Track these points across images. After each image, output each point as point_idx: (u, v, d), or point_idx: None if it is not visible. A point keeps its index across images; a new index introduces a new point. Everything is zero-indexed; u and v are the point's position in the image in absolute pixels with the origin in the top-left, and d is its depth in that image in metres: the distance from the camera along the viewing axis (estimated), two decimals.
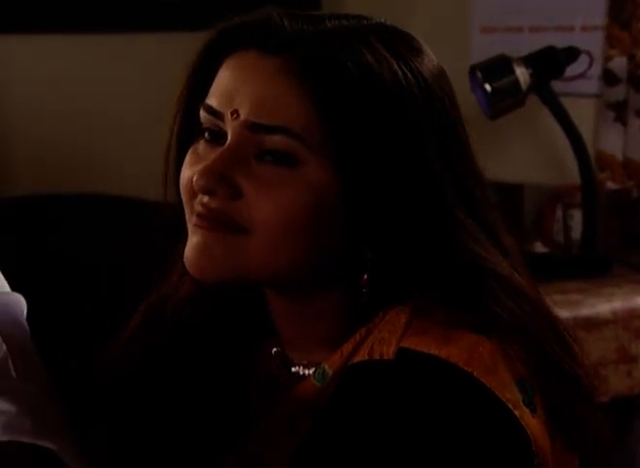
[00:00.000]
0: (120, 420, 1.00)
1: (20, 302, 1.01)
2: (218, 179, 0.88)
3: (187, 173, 0.92)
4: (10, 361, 0.91)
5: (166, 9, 2.42)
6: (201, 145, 0.92)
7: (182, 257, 0.95)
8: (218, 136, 0.91)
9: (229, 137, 0.89)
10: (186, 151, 0.94)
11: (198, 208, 0.90)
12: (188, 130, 0.94)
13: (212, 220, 0.89)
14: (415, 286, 0.91)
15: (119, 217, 1.77)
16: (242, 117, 0.88)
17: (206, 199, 0.89)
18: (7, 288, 1.03)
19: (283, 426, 0.95)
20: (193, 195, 0.91)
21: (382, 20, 0.94)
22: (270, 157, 0.88)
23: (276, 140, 0.87)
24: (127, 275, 1.15)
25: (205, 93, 0.92)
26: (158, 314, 1.02)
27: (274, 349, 0.99)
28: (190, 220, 0.92)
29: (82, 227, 1.80)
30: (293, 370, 0.97)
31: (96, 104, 2.24)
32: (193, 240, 0.90)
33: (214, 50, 0.92)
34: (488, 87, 2.05)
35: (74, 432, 0.90)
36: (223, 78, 0.91)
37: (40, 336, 1.02)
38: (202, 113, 0.91)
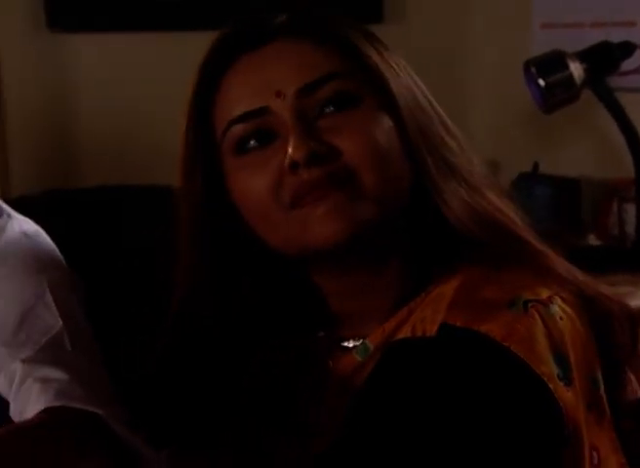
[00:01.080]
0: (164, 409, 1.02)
1: (77, 281, 1.09)
2: (315, 141, 0.91)
3: (255, 179, 0.94)
4: (65, 335, 0.98)
5: (238, 7, 2.45)
6: (249, 156, 0.95)
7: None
8: (264, 136, 0.94)
9: (288, 116, 0.92)
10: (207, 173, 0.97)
11: (302, 187, 0.92)
12: (204, 148, 0.97)
13: (326, 183, 0.91)
14: (459, 258, 0.95)
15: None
16: (290, 91, 0.92)
17: (306, 174, 0.91)
18: (66, 268, 1.10)
19: (329, 403, 0.98)
20: (276, 193, 0.93)
21: None
22: (333, 106, 0.93)
23: (333, 86, 0.93)
24: None
25: (207, 113, 0.97)
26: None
27: (320, 333, 1.02)
28: (289, 211, 0.93)
29: (146, 218, 1.85)
30: (343, 344, 1.00)
31: (160, 101, 2.29)
32: (318, 213, 0.91)
33: (209, 73, 0.97)
34: (542, 82, 2.07)
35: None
36: (240, 84, 0.95)
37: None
38: (236, 128, 0.94)
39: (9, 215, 1.14)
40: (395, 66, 0.97)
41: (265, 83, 0.93)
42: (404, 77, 0.98)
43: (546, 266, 0.95)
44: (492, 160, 2.58)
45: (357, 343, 0.99)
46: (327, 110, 0.93)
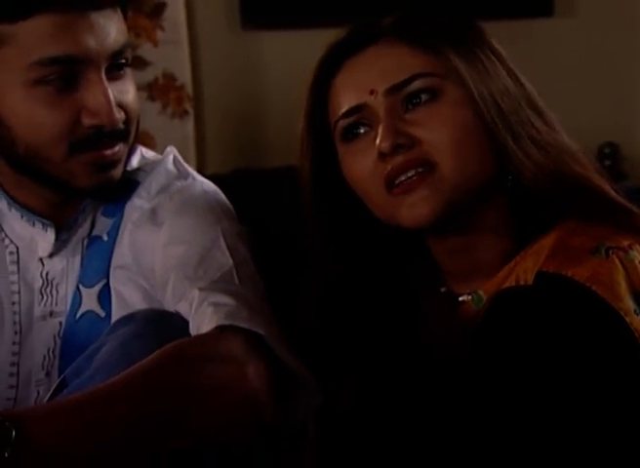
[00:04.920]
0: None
1: (246, 232, 1.27)
2: (398, 134, 1.07)
3: (357, 164, 1.11)
4: (234, 272, 1.15)
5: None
6: (353, 143, 1.12)
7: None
8: (364, 127, 1.11)
9: (379, 111, 1.08)
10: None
11: (390, 172, 1.08)
12: (318, 135, 1.15)
13: (408, 167, 1.06)
14: (557, 216, 1.07)
15: None
16: (381, 89, 1.09)
17: (393, 161, 1.07)
18: (237, 220, 1.28)
19: (452, 345, 1.13)
20: (373, 176, 1.09)
21: None
22: (418, 99, 1.08)
23: (417, 84, 1.08)
24: None
25: (323, 106, 1.14)
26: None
27: (442, 289, 1.18)
28: (386, 194, 1.09)
29: None
30: (460, 299, 1.15)
31: None
32: (407, 202, 1.07)
33: (323, 73, 1.14)
34: None
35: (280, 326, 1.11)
36: (345, 84, 1.12)
37: None
38: (342, 121, 1.12)
39: (193, 178, 1.33)
40: (484, 62, 1.09)
41: (363, 83, 1.10)
42: (492, 71, 1.09)
43: (637, 223, 1.06)
44: None
45: (471, 296, 1.13)
46: (411, 105, 1.08)
